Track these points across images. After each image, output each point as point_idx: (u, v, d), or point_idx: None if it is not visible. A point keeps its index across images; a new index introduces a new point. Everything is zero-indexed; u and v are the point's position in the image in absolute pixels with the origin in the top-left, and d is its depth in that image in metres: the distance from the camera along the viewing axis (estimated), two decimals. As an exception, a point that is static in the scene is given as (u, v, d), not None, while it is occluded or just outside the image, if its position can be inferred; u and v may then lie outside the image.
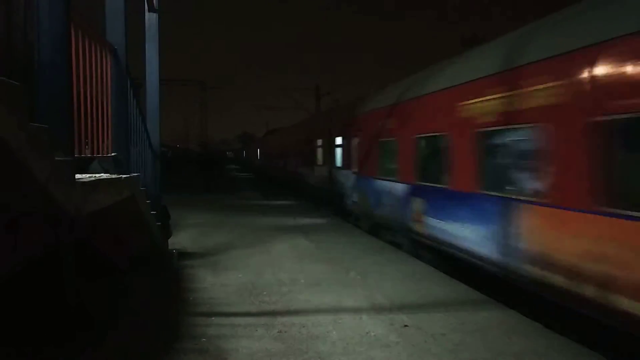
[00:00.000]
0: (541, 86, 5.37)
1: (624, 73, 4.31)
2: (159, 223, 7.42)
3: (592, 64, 4.64)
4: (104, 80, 4.93)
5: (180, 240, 9.84)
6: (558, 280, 5.01)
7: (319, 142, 18.00)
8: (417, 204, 8.61)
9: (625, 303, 4.22)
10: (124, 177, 4.94)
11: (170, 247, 8.68)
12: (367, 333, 4.87)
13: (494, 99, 6.30)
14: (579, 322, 4.91)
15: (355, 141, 12.67)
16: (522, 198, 5.63)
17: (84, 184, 3.74)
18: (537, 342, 4.62)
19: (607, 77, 4.50)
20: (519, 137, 5.83)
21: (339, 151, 14.71)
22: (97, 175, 4.61)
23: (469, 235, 6.82)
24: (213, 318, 5.30)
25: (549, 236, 5.20)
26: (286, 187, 25.22)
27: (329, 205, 15.63)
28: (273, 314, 5.44)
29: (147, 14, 8.30)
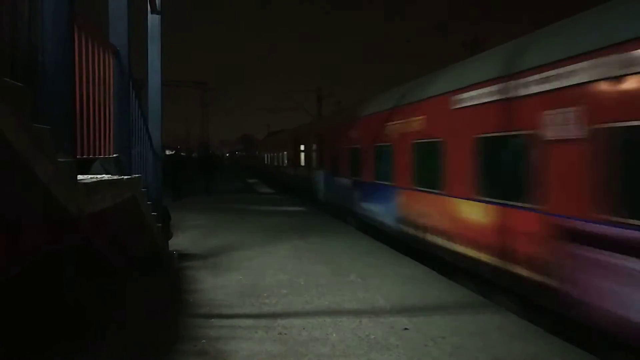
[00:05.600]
0: None
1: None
2: (160, 224, 7.43)
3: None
4: (107, 81, 4.94)
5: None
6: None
7: None
8: None
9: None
10: (125, 178, 4.93)
11: (170, 249, 8.70)
12: (367, 335, 4.87)
13: None
14: (578, 326, 4.91)
15: None
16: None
17: (86, 185, 3.73)
18: (536, 346, 4.63)
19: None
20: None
21: None
22: (99, 176, 4.61)
23: None
24: (213, 320, 5.30)
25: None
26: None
27: None
28: (273, 316, 5.45)
29: (149, 15, 8.34)
